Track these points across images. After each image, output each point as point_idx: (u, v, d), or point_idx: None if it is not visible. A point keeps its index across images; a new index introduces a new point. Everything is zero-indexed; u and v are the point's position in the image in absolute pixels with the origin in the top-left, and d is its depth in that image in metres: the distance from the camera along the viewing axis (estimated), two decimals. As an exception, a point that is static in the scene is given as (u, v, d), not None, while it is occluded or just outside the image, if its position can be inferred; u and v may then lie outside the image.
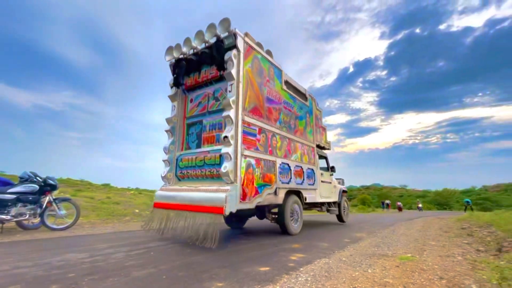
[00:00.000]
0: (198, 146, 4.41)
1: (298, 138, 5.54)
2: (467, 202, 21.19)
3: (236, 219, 5.78)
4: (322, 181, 6.46)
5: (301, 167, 5.44)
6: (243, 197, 3.60)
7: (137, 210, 8.52)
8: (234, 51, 3.82)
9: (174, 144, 4.65)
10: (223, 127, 3.85)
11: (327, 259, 3.02)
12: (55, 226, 4.90)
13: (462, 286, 2.15)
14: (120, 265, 2.63)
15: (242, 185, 3.60)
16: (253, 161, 3.91)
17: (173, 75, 4.64)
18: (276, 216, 4.80)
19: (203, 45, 4.19)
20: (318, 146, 6.74)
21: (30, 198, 4.69)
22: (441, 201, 37.03)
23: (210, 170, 3.97)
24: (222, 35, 3.90)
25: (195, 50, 4.37)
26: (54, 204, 4.95)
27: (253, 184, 3.84)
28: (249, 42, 4.14)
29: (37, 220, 4.86)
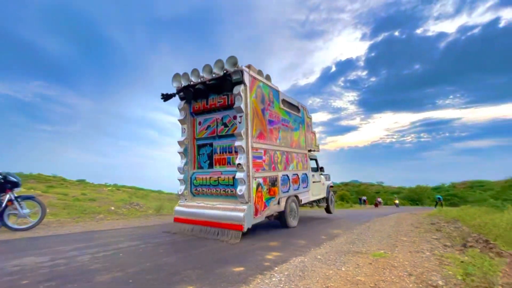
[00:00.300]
0: (210, 166, 4.91)
1: (294, 149, 5.94)
2: (439, 198, 21.97)
3: None
4: (313, 182, 6.92)
5: (297, 174, 5.88)
6: (256, 213, 4.14)
7: (112, 208, 8.11)
8: (242, 87, 4.15)
9: (187, 164, 5.08)
10: (233, 150, 4.48)
11: (303, 257, 3.02)
12: (16, 226, 4.55)
13: (430, 282, 2.22)
14: (83, 269, 2.46)
15: (255, 203, 4.12)
16: (261, 180, 4.39)
17: (180, 99, 5.02)
18: (278, 215, 5.21)
19: (210, 76, 4.45)
20: (309, 150, 7.07)
21: (-13, 196, 4.29)
22: (414, 197, 39.01)
23: (224, 190, 4.53)
24: (230, 70, 4.20)
25: (202, 80, 4.59)
26: (15, 203, 4.58)
27: (262, 200, 4.36)
28: (253, 74, 4.47)
29: (-5, 220, 4.46)
